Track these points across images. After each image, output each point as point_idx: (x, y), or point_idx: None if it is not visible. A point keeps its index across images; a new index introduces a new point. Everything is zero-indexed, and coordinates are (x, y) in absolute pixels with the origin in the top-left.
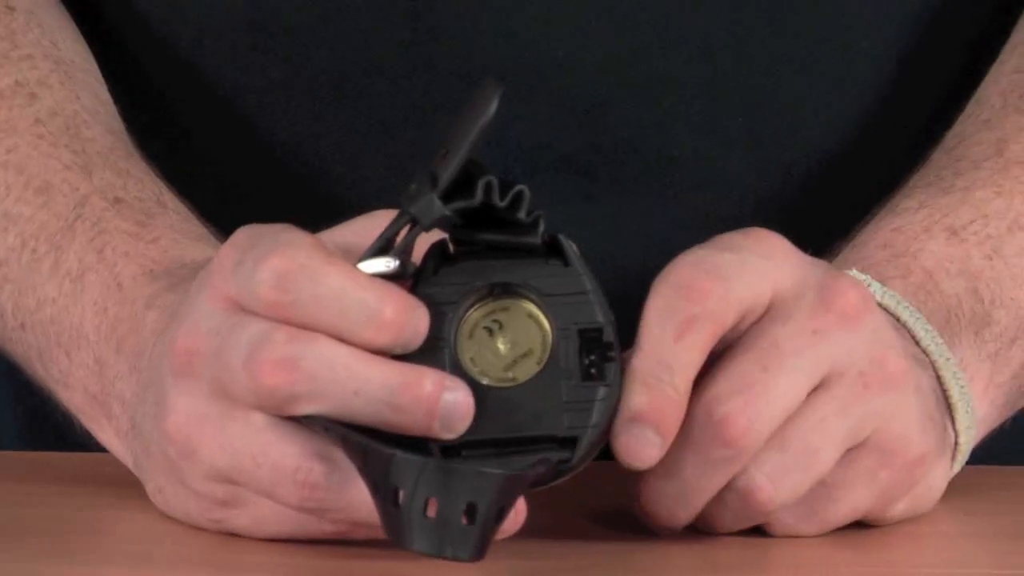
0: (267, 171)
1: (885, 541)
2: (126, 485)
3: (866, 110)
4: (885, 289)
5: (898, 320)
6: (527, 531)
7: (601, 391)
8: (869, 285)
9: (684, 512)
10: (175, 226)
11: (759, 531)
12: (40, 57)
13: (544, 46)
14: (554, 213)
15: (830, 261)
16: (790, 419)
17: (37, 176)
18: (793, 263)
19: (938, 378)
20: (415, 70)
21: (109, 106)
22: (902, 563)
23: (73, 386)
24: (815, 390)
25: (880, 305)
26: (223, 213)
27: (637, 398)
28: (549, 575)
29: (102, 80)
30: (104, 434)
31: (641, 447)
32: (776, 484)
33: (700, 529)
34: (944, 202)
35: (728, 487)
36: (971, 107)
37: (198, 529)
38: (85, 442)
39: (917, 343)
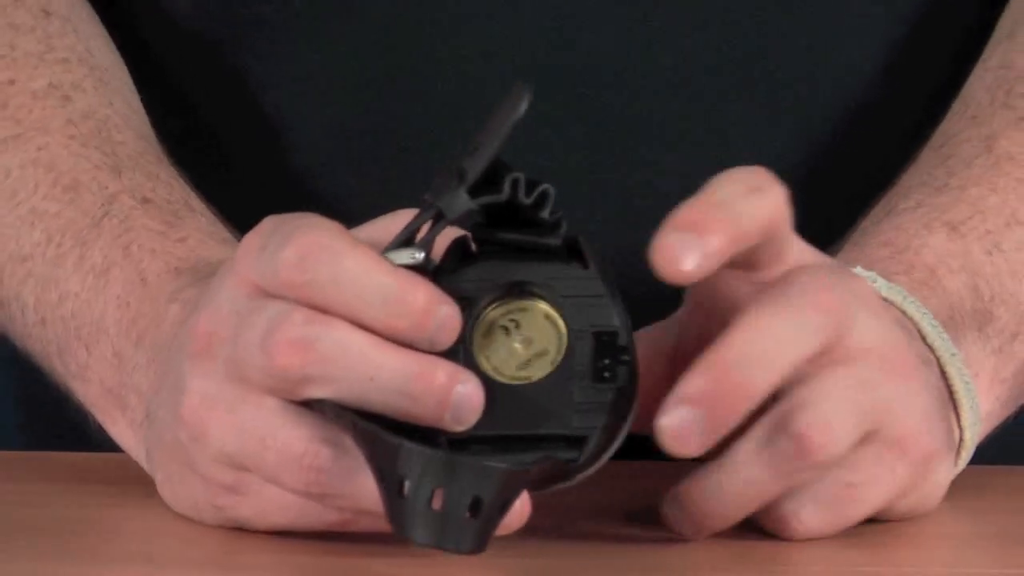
0: (293, 181)
1: (890, 542)
2: (127, 484)
3: (881, 67)
4: (890, 284)
5: (904, 315)
6: (533, 530)
7: (612, 393)
8: (874, 281)
9: (735, 513)
10: (202, 228)
11: (765, 532)
12: (75, 62)
13: (553, 49)
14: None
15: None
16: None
17: (66, 174)
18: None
19: (943, 374)
20: (429, 90)
21: (141, 114)
22: (907, 563)
23: (90, 379)
24: (838, 355)
25: (886, 299)
26: (248, 222)
27: (697, 381)
28: (554, 573)
29: (135, 89)
30: (117, 428)
31: (689, 434)
32: (824, 432)
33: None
34: (941, 200)
35: (779, 433)
36: (957, 105)
37: (203, 529)
38: (98, 440)
39: (923, 339)
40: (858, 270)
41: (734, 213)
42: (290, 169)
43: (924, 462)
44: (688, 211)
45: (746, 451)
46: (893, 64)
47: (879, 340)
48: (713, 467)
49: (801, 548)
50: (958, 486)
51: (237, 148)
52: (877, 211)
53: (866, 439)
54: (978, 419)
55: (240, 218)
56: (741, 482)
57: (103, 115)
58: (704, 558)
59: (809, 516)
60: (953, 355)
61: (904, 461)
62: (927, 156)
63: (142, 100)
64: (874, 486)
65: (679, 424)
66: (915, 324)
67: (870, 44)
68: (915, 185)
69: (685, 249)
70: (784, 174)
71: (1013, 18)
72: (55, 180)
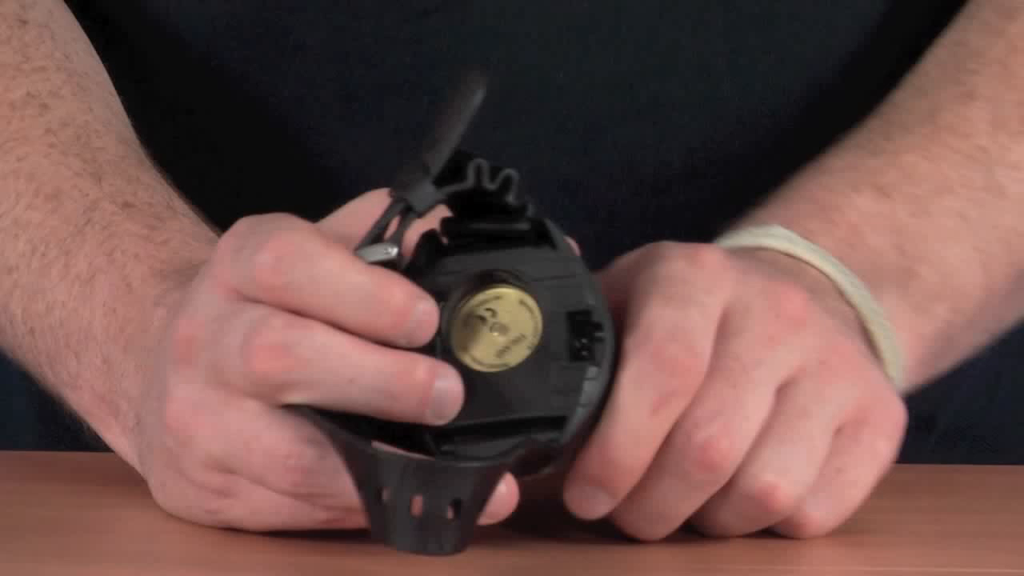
0: (279, 182)
1: (876, 540)
2: (128, 484)
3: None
4: (809, 244)
5: (823, 274)
6: (523, 529)
7: (591, 371)
8: (793, 242)
9: (663, 530)
10: (185, 229)
11: (769, 533)
12: (53, 69)
13: (541, 70)
14: None
15: (757, 214)
16: (775, 418)
17: (47, 183)
18: (733, 277)
19: (866, 332)
20: (417, 92)
21: (121, 117)
22: (906, 564)
23: (81, 387)
24: (786, 388)
25: (804, 261)
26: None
27: (597, 463)
28: (550, 572)
29: (114, 92)
30: (111, 434)
31: (591, 506)
32: (787, 478)
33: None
34: (872, 163)
35: (738, 494)
36: (910, 77)
37: (199, 528)
38: (95, 445)
39: (843, 296)
40: (777, 228)
41: (650, 451)
42: (274, 172)
43: (900, 429)
44: (601, 462)
45: (654, 475)
46: (863, 48)
47: (816, 349)
48: (629, 498)
49: (797, 549)
50: (957, 486)
51: (229, 149)
52: (808, 169)
53: (839, 429)
54: (902, 376)
55: (232, 219)
56: (657, 507)
57: (82, 121)
58: (695, 558)
59: (815, 511)
60: (875, 311)
61: (882, 437)
62: (871, 122)
63: (132, 102)
64: (863, 466)
65: (582, 498)
66: (834, 283)
67: (842, 28)
68: (851, 147)
69: (600, 505)
70: (758, 154)
71: (977, 1)
72: (37, 190)
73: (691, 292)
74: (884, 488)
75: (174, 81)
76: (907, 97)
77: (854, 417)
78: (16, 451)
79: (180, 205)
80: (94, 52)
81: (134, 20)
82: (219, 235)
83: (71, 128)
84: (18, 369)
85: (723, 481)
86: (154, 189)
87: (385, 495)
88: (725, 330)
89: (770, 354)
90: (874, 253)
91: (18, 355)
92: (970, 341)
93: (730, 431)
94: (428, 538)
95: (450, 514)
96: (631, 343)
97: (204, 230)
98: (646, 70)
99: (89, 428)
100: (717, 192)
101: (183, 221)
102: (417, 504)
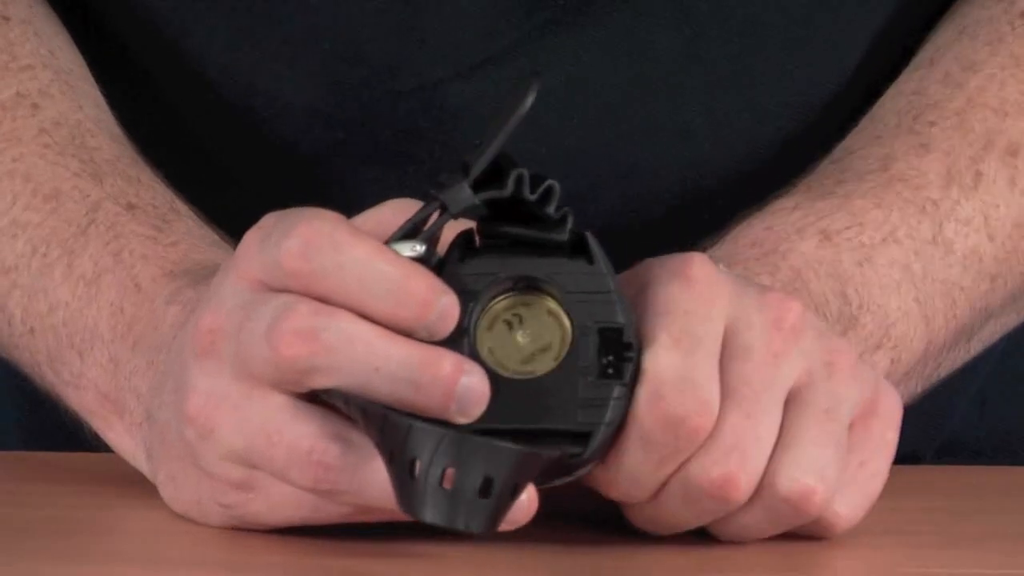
0: (281, 183)
1: (886, 543)
2: (129, 485)
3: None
4: None
5: None
6: (529, 530)
7: (617, 390)
8: None
9: (672, 533)
10: (192, 232)
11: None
12: (40, 67)
13: (520, 143)
14: None
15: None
16: (802, 421)
17: (45, 184)
18: (728, 292)
19: None
20: (399, 161)
21: (109, 114)
22: (907, 564)
23: (85, 386)
24: (799, 392)
25: None
26: (233, 224)
27: (601, 489)
28: (553, 573)
29: (96, 86)
30: (113, 432)
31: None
32: (823, 480)
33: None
34: (820, 206)
35: (774, 498)
36: (865, 122)
37: (201, 529)
38: (93, 445)
39: None
40: (721, 268)
41: (653, 491)
42: (277, 171)
43: (900, 419)
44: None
45: (672, 503)
46: (837, 101)
47: (817, 352)
48: (638, 510)
49: (798, 551)
50: (957, 486)
51: (222, 150)
52: (756, 210)
53: (851, 424)
54: None
55: (225, 221)
56: (667, 522)
57: (75, 120)
58: (697, 560)
59: (844, 507)
60: None
61: (890, 427)
62: (823, 167)
63: (126, 104)
64: (879, 456)
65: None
66: None
67: (816, 82)
68: (801, 188)
69: None
70: (739, 209)
71: (936, 46)
72: (34, 190)
73: (692, 324)
74: (885, 488)
75: (163, 121)
76: (862, 144)
77: (863, 410)
78: (14, 452)
79: (182, 206)
80: (75, 47)
81: (124, 22)
82: (223, 238)
83: (65, 128)
84: (3, 372)
85: (736, 507)
86: (155, 189)
87: (417, 467)
88: (731, 350)
89: (777, 371)
90: (816, 298)
91: (14, 355)
92: (907, 392)
93: (746, 465)
94: (457, 513)
95: (479, 492)
96: (641, 395)
97: (209, 232)
98: (625, 136)
99: (90, 429)
100: (700, 248)
101: (188, 223)
102: (449, 477)
